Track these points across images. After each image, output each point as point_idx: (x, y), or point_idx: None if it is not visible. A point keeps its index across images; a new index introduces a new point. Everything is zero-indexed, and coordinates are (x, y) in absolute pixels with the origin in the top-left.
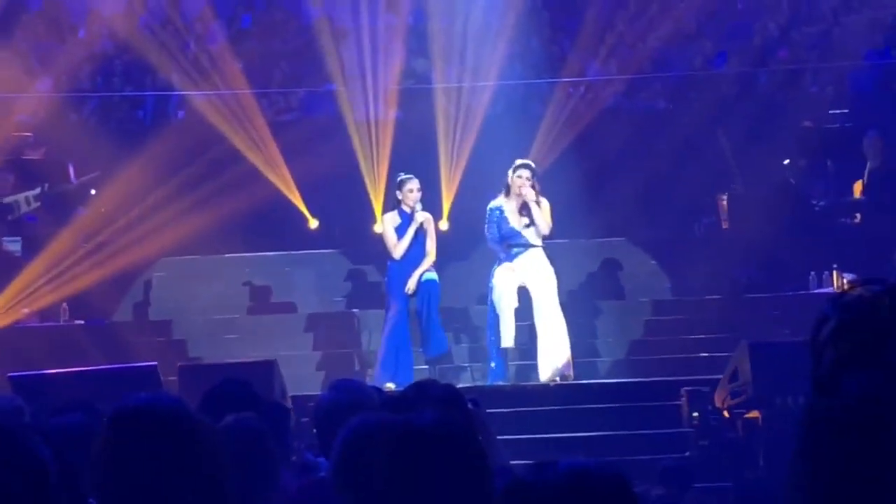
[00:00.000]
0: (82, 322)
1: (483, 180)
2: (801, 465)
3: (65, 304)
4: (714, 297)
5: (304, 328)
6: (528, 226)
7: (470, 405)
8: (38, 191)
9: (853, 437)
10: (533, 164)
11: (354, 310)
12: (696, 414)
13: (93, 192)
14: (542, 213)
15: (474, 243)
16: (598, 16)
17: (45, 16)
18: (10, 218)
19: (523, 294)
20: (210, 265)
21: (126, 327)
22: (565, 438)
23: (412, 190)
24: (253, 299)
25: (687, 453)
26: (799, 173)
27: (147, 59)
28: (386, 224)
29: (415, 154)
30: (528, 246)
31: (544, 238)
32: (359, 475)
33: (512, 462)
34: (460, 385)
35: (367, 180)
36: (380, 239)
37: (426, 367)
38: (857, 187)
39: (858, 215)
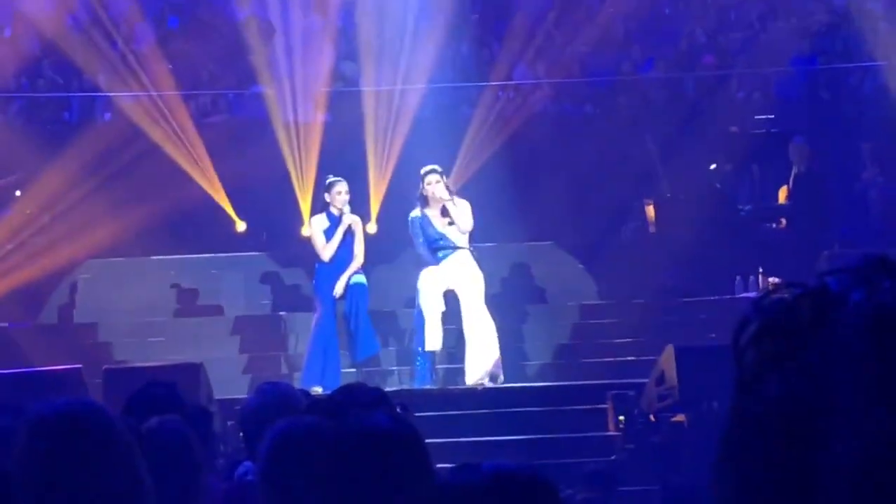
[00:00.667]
0: (6, 324)
1: (411, 184)
2: (725, 466)
3: None
4: (641, 300)
5: (231, 331)
6: (451, 224)
7: (399, 409)
8: None
9: (774, 437)
10: (438, 167)
11: (281, 312)
12: (622, 418)
13: (17, 193)
14: (460, 211)
15: (402, 247)
16: (526, 20)
17: None
18: None
19: (451, 297)
20: (136, 267)
21: (51, 329)
22: (492, 442)
23: (340, 192)
24: (179, 302)
25: (613, 457)
26: (725, 178)
27: (74, 60)
28: (314, 226)
29: (343, 157)
30: (454, 248)
31: (471, 240)
32: (287, 479)
33: (438, 466)
34: (387, 388)
35: (295, 183)
36: (307, 242)
37: (353, 370)
38: (783, 192)
39: (784, 220)
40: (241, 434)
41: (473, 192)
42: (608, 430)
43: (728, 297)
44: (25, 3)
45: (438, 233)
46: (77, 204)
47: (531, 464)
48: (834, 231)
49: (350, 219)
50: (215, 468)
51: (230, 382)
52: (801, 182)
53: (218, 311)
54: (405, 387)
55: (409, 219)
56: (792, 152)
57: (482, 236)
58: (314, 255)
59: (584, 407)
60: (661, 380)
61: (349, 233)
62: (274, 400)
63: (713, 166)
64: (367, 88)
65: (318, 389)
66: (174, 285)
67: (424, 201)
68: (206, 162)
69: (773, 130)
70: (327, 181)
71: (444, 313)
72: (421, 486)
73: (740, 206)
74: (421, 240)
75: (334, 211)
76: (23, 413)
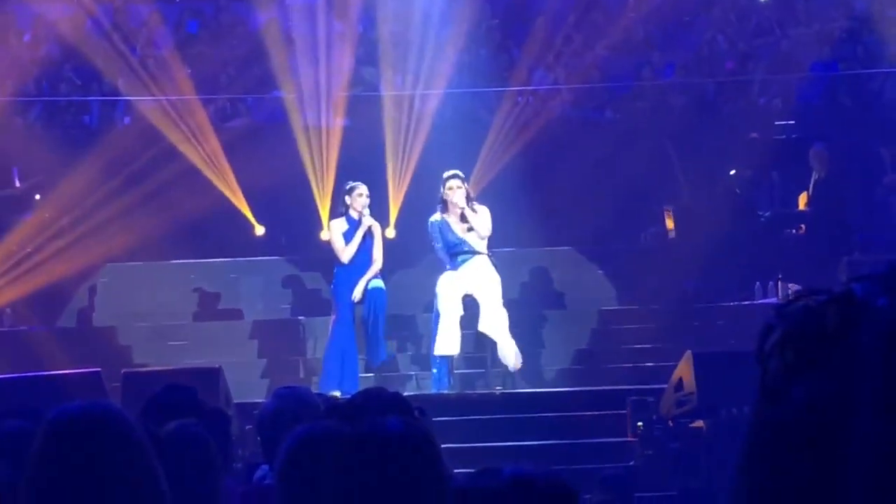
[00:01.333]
0: (25, 328)
1: (430, 188)
2: (746, 473)
3: (9, 310)
4: (660, 306)
5: (250, 335)
6: (470, 230)
7: (417, 413)
8: None
9: (799, 446)
10: (461, 173)
11: (300, 317)
12: (640, 423)
13: (37, 197)
14: (479, 217)
15: (421, 251)
16: (546, 26)
17: None
18: None
19: (470, 302)
20: (155, 271)
21: (70, 333)
22: (510, 447)
23: (361, 195)
24: (198, 306)
25: (631, 463)
26: (745, 184)
27: (93, 64)
28: (333, 229)
29: (362, 161)
30: (473, 253)
31: (489, 246)
32: (305, 483)
33: (456, 471)
34: (405, 393)
35: (314, 187)
36: (326, 246)
37: (371, 374)
38: (803, 199)
39: (803, 226)
40: (259, 438)
41: (492, 198)
42: (626, 436)
43: (747, 303)
44: (46, 8)
45: (458, 238)
46: (96, 208)
47: (550, 468)
48: (854, 237)
49: (369, 221)
50: (233, 472)
51: (248, 386)
52: (821, 188)
53: (237, 315)
54: (423, 391)
55: (429, 222)
56: (812, 158)
57: (501, 241)
58: (333, 260)
59: (603, 412)
60: (679, 386)
61: (368, 236)
62: (291, 404)
63: (733, 172)
64: (387, 93)
65: (336, 394)
66: (193, 289)
67: (445, 206)
68: (225, 166)
69: (793, 136)
70: (348, 185)
71: (462, 318)
72: (434, 491)
73: (760, 212)
74: (440, 244)
75: (353, 214)
76: (41, 416)
